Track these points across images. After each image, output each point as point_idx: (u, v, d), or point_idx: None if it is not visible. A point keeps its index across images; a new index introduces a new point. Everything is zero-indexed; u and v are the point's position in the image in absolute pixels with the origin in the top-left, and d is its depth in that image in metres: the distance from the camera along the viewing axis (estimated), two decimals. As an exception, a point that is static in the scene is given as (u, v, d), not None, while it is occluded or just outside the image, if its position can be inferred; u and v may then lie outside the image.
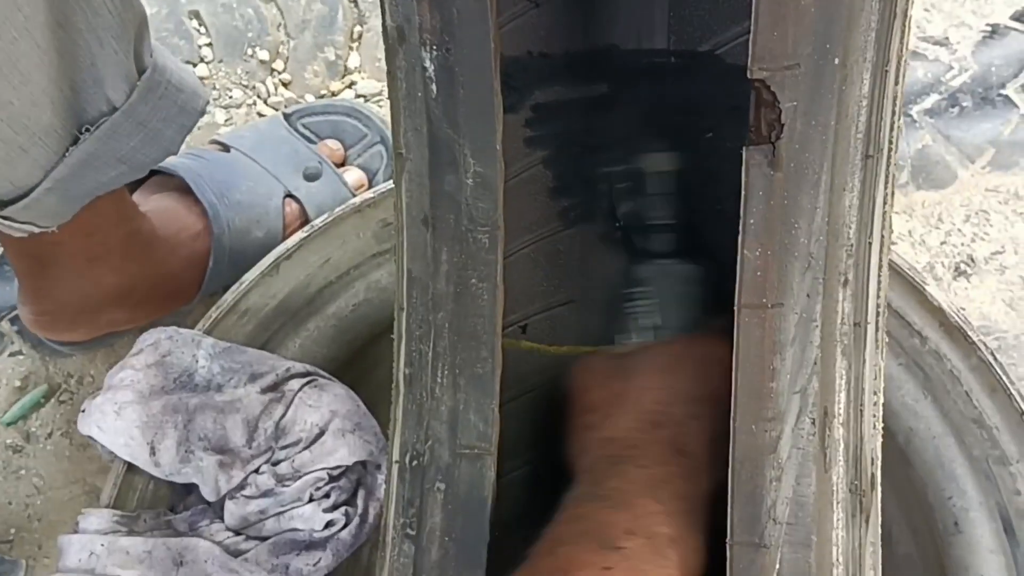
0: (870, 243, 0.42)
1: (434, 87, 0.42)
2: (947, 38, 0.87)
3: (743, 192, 0.40)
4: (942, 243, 0.84)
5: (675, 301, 0.57)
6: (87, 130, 0.54)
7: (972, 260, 0.83)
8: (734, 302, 0.41)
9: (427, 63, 0.42)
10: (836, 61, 0.39)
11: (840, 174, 0.41)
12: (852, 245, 0.42)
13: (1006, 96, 0.85)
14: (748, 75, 0.39)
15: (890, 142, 0.43)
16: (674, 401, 0.49)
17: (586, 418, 0.50)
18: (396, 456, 0.46)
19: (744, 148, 0.40)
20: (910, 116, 0.85)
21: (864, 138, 0.41)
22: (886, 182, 0.43)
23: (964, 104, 0.85)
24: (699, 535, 0.44)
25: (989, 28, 0.86)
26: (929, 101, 0.85)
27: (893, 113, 0.42)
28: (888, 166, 0.43)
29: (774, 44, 0.38)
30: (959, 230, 0.84)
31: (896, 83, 0.42)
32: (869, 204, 0.42)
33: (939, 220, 0.84)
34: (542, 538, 0.43)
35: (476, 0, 0.41)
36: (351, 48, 0.94)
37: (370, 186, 0.84)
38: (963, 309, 0.81)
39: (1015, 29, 0.86)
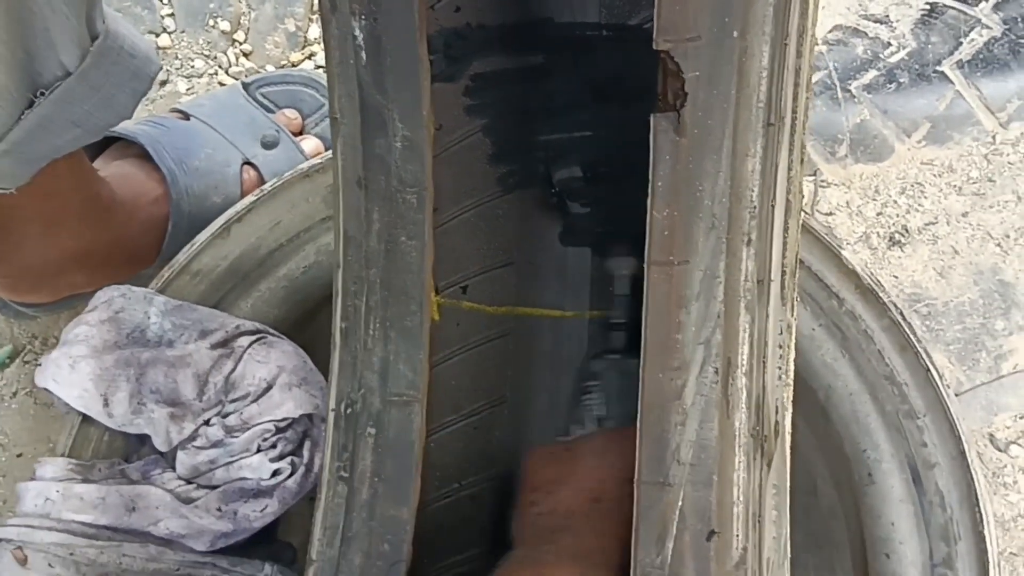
0: (773, 206, 0.45)
1: (364, 55, 0.44)
2: (887, 16, 0.90)
3: (651, 156, 0.43)
4: (878, 214, 0.87)
5: (622, 393, 0.60)
6: (42, 94, 0.55)
7: (906, 230, 0.86)
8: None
9: (357, 32, 0.44)
10: (735, 34, 0.42)
11: (742, 140, 0.44)
12: (755, 207, 0.45)
13: (942, 72, 0.88)
14: (654, 46, 0.42)
15: (794, 112, 0.45)
16: (613, 479, 0.52)
17: (530, 496, 0.53)
18: (332, 404, 0.49)
19: (652, 115, 0.43)
20: (849, 91, 0.88)
21: (766, 107, 0.44)
22: (791, 149, 0.46)
23: (901, 80, 0.88)
24: None
25: (928, 7, 0.89)
26: (868, 77, 0.88)
27: (796, 85, 0.45)
28: (793, 135, 0.46)
29: (676, 17, 0.41)
30: (895, 202, 0.87)
31: (798, 56, 0.45)
32: (772, 169, 0.45)
33: (876, 192, 0.87)
34: None
35: (402, -27, 0.43)
36: (311, 19, 0.96)
37: (327, 154, 0.86)
38: (896, 277, 0.85)
39: (952, 8, 0.89)
